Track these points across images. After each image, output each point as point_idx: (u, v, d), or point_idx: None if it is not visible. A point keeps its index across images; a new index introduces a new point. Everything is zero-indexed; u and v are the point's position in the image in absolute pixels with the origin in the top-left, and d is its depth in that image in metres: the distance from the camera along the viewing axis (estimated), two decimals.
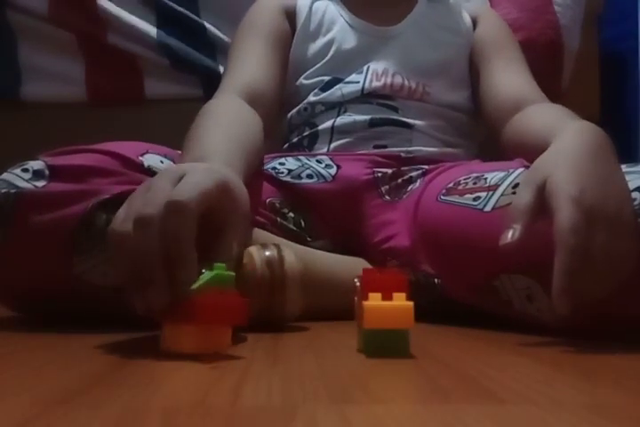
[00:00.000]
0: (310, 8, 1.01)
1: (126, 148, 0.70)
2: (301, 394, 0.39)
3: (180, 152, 0.73)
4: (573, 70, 1.33)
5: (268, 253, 0.67)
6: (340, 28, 0.99)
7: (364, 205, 0.90)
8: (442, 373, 0.46)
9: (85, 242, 0.64)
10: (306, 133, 0.96)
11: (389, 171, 0.91)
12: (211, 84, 1.24)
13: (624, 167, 0.63)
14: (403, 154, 0.92)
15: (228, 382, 0.42)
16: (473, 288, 0.72)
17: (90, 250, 0.64)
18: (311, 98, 0.96)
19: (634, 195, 0.59)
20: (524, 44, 1.18)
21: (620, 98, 1.51)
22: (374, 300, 0.51)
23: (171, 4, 1.29)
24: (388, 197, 0.90)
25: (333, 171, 0.90)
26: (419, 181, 0.90)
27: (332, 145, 0.93)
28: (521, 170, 0.72)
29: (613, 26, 1.52)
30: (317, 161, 0.91)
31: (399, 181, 0.91)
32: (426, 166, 0.91)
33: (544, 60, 1.28)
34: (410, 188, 0.90)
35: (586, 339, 0.60)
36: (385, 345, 0.51)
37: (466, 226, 0.72)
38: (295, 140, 0.97)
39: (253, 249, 0.68)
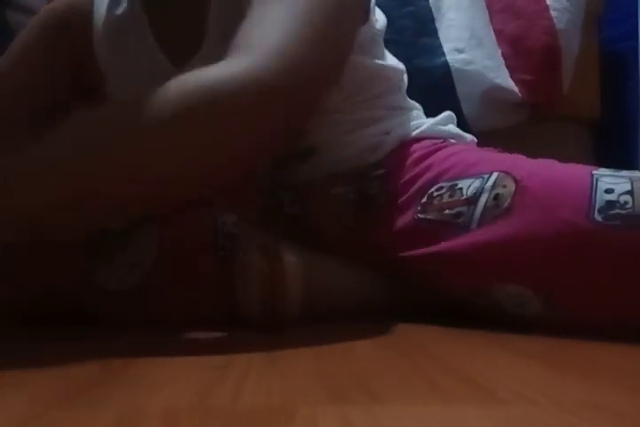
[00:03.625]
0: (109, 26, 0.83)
1: None
2: (301, 394, 0.39)
3: None
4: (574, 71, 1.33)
5: (267, 253, 0.67)
6: (152, 70, 0.78)
7: None
8: (442, 373, 0.46)
9: (101, 246, 0.64)
10: None
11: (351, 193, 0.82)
12: None
13: (607, 171, 0.64)
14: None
15: (228, 382, 0.42)
16: (469, 297, 0.72)
17: (106, 254, 0.64)
18: None
19: (623, 198, 0.60)
20: (523, 52, 1.18)
21: (620, 98, 1.51)
22: None
23: None
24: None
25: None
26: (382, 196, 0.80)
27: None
28: (495, 175, 0.69)
29: (613, 26, 1.52)
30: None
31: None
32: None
33: (543, 65, 1.29)
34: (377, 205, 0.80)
35: (586, 339, 0.60)
36: None
37: (454, 245, 0.69)
38: None
39: (254, 249, 0.68)
